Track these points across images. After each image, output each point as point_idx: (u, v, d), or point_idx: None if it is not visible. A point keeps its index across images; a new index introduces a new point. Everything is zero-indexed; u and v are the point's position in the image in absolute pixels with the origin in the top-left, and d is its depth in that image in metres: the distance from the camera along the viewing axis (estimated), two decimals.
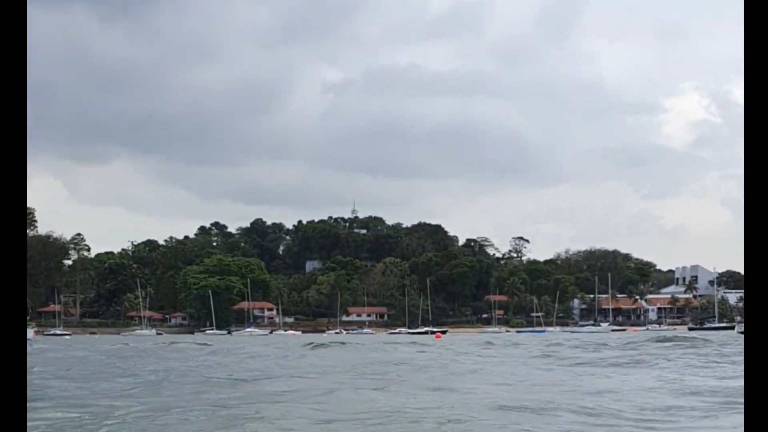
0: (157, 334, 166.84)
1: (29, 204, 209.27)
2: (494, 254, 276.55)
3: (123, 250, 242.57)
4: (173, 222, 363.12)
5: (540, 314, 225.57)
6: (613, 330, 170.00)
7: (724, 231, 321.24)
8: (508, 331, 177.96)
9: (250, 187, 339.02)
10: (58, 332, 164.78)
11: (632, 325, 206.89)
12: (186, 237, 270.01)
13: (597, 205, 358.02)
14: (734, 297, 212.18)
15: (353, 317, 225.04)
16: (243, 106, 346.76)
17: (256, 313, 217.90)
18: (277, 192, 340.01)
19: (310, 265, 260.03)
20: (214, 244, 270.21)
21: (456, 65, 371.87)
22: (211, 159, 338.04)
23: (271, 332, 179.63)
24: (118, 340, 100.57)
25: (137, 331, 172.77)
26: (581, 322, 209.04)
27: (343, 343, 67.63)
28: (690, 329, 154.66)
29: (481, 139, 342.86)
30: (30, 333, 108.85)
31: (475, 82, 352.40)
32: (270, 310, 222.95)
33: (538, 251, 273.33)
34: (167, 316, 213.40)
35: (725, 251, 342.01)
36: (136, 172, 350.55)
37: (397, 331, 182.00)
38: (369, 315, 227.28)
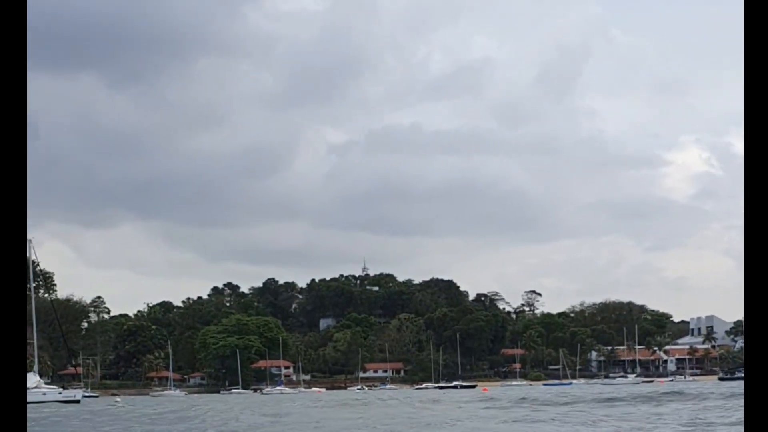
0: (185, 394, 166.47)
1: (48, 268, 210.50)
2: (504, 308, 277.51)
3: (139, 311, 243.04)
4: (181, 283, 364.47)
5: (558, 367, 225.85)
6: (643, 382, 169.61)
7: (727, 281, 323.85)
8: (531, 385, 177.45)
9: (255, 247, 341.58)
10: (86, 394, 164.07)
11: (651, 376, 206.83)
12: (200, 298, 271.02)
13: (599, 259, 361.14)
14: None
15: (370, 373, 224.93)
16: (247, 168, 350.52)
17: (273, 371, 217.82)
18: (282, 251, 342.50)
19: (324, 323, 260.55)
20: (227, 303, 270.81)
21: (457, 124, 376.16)
22: (216, 221, 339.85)
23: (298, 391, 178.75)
24: (159, 403, 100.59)
25: (166, 392, 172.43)
26: (611, 374, 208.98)
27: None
28: (721, 379, 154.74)
29: (483, 197, 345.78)
30: (79, 394, 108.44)
31: (477, 140, 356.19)
32: (287, 368, 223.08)
33: (543, 304, 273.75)
34: (186, 377, 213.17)
35: (730, 301, 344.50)
36: (143, 235, 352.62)
37: (423, 386, 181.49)
38: (386, 371, 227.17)
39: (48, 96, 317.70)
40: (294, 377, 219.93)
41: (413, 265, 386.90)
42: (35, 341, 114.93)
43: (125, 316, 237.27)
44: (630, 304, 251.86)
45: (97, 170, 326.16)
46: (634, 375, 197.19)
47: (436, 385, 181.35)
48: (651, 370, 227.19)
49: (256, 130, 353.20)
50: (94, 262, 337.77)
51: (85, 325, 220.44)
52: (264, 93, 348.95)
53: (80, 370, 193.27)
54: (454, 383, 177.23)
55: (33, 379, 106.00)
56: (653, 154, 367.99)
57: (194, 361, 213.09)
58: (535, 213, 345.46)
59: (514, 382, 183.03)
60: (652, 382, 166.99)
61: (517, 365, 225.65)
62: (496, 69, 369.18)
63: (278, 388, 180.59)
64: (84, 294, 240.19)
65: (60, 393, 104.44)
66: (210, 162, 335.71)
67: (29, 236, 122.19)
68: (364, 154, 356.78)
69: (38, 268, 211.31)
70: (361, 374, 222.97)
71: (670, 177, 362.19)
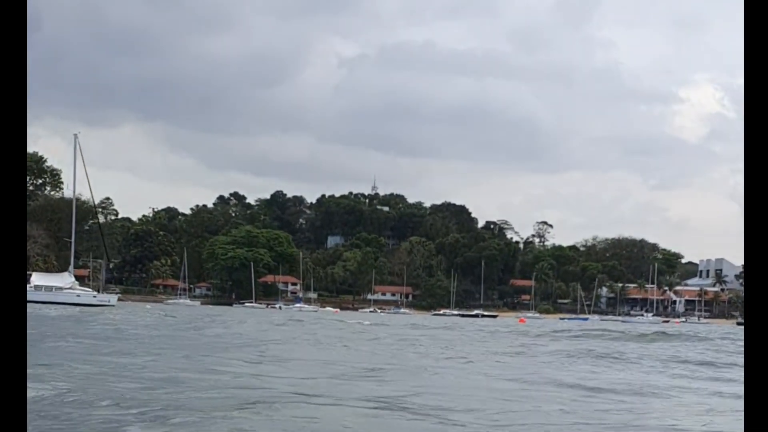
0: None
1: (56, 166, 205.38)
2: (512, 237, 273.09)
3: (144, 216, 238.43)
4: (181, 190, 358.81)
5: (567, 301, 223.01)
6: (663, 321, 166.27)
7: (731, 225, 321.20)
8: (544, 317, 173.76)
9: (258, 157, 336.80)
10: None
11: (659, 315, 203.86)
12: (204, 206, 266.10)
13: (604, 193, 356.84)
14: None
15: (378, 296, 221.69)
16: (255, 76, 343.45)
17: (280, 287, 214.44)
18: (286, 164, 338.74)
19: (332, 241, 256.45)
20: (232, 214, 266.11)
21: (472, 45, 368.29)
22: (220, 128, 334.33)
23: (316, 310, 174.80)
24: (179, 311, 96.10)
25: (180, 301, 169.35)
26: (632, 312, 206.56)
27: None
28: (739, 324, 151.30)
29: (493, 121, 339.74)
30: (114, 299, 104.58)
31: (491, 63, 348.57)
32: (293, 284, 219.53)
33: (554, 236, 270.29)
34: (191, 286, 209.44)
35: (733, 245, 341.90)
36: (144, 138, 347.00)
37: (441, 312, 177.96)
38: (393, 294, 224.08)
39: None
40: (301, 294, 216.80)
41: (418, 186, 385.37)
42: (73, 240, 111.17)
43: (128, 219, 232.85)
44: (642, 241, 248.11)
45: (102, 67, 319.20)
46: (650, 314, 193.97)
47: (456, 312, 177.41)
48: (660, 309, 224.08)
49: (266, 36, 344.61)
50: (92, 162, 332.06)
51: (88, 225, 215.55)
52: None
53: (85, 272, 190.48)
54: (475, 312, 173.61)
55: (68, 279, 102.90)
56: (668, 90, 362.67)
57: (200, 270, 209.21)
58: (544, 142, 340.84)
59: (528, 314, 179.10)
60: (668, 322, 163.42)
61: (528, 297, 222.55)
62: None
63: (297, 305, 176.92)
64: (81, 192, 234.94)
65: (94, 296, 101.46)
66: (217, 66, 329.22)
67: (75, 131, 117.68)
68: (375, 69, 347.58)
69: (45, 164, 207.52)
70: (369, 296, 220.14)
71: (682, 115, 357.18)
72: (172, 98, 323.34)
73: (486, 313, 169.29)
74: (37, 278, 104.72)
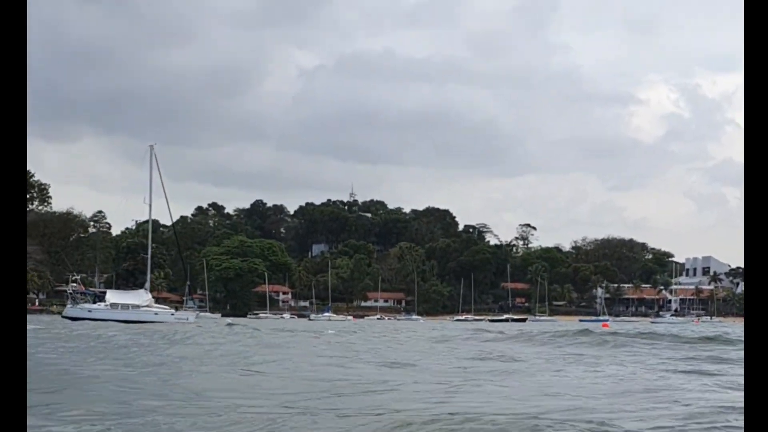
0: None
1: (45, 179, 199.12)
2: (489, 240, 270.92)
3: (127, 229, 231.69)
4: (140, 202, 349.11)
5: (562, 303, 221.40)
6: (693, 321, 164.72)
7: (687, 223, 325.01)
8: (555, 320, 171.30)
9: (218, 168, 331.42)
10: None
11: (649, 315, 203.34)
12: (183, 217, 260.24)
13: (562, 195, 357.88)
14: None
15: (371, 303, 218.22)
16: (215, 88, 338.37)
17: (272, 296, 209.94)
18: (246, 174, 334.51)
19: (317, 249, 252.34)
20: (210, 224, 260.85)
21: (431, 52, 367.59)
22: (179, 140, 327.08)
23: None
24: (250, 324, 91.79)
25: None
26: (661, 312, 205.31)
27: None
28: None
29: (453, 127, 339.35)
30: (192, 316, 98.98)
31: (450, 69, 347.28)
32: (285, 293, 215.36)
33: (538, 239, 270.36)
34: (184, 298, 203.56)
35: (689, 243, 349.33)
36: (104, 151, 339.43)
37: (463, 317, 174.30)
38: (386, 301, 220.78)
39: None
40: (292, 303, 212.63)
41: (378, 193, 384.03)
42: (149, 259, 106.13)
43: (107, 232, 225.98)
44: (632, 241, 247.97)
45: (61, 82, 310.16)
46: (669, 314, 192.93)
47: (479, 317, 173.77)
48: (654, 309, 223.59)
49: (226, 48, 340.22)
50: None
51: (77, 238, 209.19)
52: (237, 11, 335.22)
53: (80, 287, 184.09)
54: (505, 316, 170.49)
55: (145, 296, 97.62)
56: (624, 91, 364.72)
57: (194, 282, 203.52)
58: (503, 145, 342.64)
59: (543, 318, 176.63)
60: (696, 322, 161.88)
61: (522, 300, 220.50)
62: None
63: (326, 314, 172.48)
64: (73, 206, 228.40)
65: (172, 314, 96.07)
66: (177, 79, 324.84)
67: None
68: (334, 78, 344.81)
69: (32, 178, 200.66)
70: (362, 303, 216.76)
71: (638, 116, 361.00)
72: (132, 111, 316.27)
73: (515, 317, 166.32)
74: (112, 296, 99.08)
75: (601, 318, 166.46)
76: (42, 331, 49.38)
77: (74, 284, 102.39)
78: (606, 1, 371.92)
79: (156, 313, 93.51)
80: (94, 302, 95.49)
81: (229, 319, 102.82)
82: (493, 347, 36.34)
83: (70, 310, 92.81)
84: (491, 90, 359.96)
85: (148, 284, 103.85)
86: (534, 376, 20.89)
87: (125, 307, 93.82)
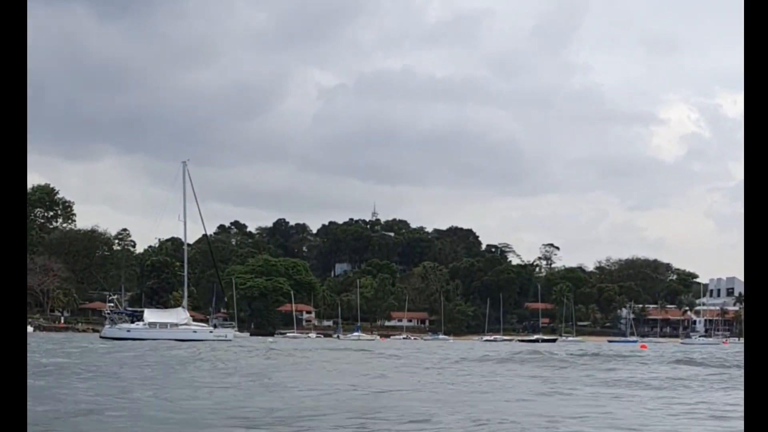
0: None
1: (66, 197, 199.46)
2: (510, 260, 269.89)
3: (150, 247, 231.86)
4: (160, 221, 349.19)
5: (587, 323, 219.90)
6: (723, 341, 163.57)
7: (708, 243, 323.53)
8: (583, 340, 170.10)
9: (238, 188, 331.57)
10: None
11: (678, 336, 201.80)
12: (204, 235, 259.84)
13: (581, 215, 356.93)
14: None
15: (395, 322, 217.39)
16: (235, 108, 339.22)
17: (296, 315, 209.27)
18: (266, 193, 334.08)
19: (340, 268, 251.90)
20: (233, 242, 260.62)
21: (450, 72, 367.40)
22: (200, 160, 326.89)
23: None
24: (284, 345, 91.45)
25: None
26: (692, 334, 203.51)
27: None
28: None
29: (472, 147, 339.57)
30: (230, 333, 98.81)
31: (469, 89, 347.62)
32: (308, 313, 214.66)
33: (561, 258, 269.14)
34: (208, 317, 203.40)
35: (710, 262, 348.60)
36: (124, 171, 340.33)
37: (492, 338, 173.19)
38: (410, 320, 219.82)
39: (36, 23, 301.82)
40: (316, 322, 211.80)
41: (399, 212, 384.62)
42: (185, 277, 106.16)
43: (125, 250, 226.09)
44: (656, 261, 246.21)
45: (82, 102, 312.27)
46: (698, 335, 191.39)
47: (508, 338, 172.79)
48: (680, 330, 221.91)
49: (247, 68, 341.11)
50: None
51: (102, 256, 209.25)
52: (257, 31, 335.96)
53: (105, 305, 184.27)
54: (535, 337, 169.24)
55: (182, 315, 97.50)
56: (644, 111, 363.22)
57: (218, 301, 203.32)
58: (523, 166, 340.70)
59: (570, 338, 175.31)
60: (726, 342, 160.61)
61: (547, 320, 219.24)
62: (494, 19, 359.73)
63: (355, 334, 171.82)
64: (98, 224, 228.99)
65: (211, 332, 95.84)
66: (197, 99, 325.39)
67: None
68: (354, 98, 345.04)
69: (57, 196, 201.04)
70: (385, 323, 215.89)
71: (658, 136, 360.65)
72: (152, 131, 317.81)
73: (545, 337, 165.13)
74: (149, 315, 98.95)
75: (630, 339, 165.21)
76: (107, 354, 48.81)
77: (111, 304, 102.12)
78: (625, 21, 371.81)
79: (195, 331, 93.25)
80: (132, 322, 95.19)
81: (270, 339, 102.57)
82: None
83: (108, 330, 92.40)
84: (511, 110, 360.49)
85: (185, 302, 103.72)
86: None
87: (164, 325, 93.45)
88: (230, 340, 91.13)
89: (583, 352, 67.49)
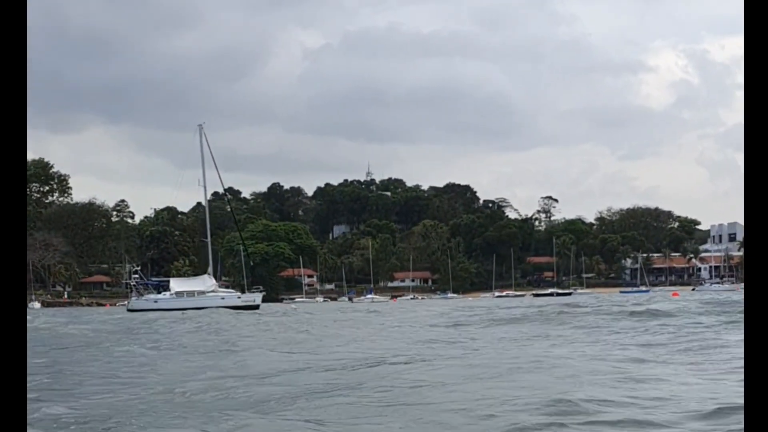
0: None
1: (61, 171, 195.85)
2: (508, 215, 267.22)
3: (146, 217, 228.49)
4: (150, 189, 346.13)
5: (592, 275, 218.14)
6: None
7: (700, 190, 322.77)
8: (593, 292, 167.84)
9: (228, 153, 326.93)
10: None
11: (684, 284, 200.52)
12: (198, 203, 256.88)
13: (573, 167, 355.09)
14: None
15: (397, 283, 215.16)
16: (220, 72, 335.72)
17: (297, 279, 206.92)
18: (255, 157, 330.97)
19: (338, 230, 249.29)
20: (228, 209, 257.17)
21: (437, 27, 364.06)
22: (186, 125, 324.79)
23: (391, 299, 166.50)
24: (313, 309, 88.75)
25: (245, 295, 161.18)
26: (707, 281, 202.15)
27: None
28: None
29: (462, 102, 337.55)
30: (258, 298, 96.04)
31: (457, 44, 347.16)
32: (310, 276, 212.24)
33: (560, 211, 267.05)
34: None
35: (703, 210, 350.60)
36: (111, 140, 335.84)
37: (504, 294, 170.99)
38: (413, 280, 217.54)
39: None
40: (318, 286, 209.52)
41: (392, 171, 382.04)
42: (209, 244, 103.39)
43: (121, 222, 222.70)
44: (657, 209, 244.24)
45: (65, 73, 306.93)
46: (712, 281, 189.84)
47: (521, 293, 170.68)
48: (684, 278, 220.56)
49: (230, 32, 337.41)
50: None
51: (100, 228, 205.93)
52: None
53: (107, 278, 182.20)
54: (550, 291, 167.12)
55: (209, 282, 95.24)
56: (633, 59, 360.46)
57: (221, 268, 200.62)
58: (513, 120, 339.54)
59: (581, 291, 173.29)
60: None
61: (550, 274, 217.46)
62: None
63: (369, 296, 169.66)
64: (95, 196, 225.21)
65: (239, 297, 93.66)
66: (181, 65, 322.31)
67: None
68: (340, 57, 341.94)
69: (52, 170, 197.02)
70: (388, 284, 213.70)
71: (647, 84, 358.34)
72: (138, 99, 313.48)
73: (560, 291, 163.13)
74: (176, 284, 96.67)
75: (642, 289, 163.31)
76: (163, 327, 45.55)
77: (136, 276, 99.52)
78: None
79: (222, 298, 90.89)
80: (159, 292, 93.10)
81: (293, 305, 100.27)
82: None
83: (135, 302, 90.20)
84: (499, 63, 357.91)
85: (210, 268, 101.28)
86: None
87: (191, 294, 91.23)
88: (258, 306, 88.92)
89: (618, 305, 64.14)
